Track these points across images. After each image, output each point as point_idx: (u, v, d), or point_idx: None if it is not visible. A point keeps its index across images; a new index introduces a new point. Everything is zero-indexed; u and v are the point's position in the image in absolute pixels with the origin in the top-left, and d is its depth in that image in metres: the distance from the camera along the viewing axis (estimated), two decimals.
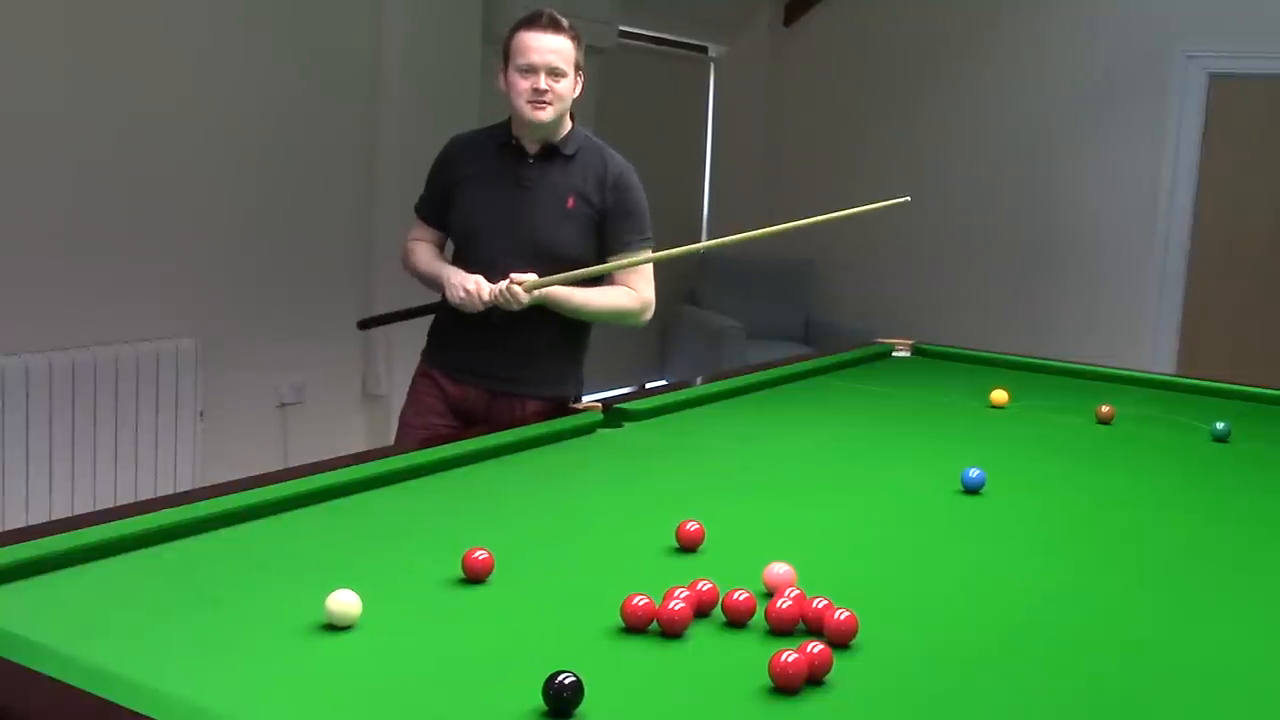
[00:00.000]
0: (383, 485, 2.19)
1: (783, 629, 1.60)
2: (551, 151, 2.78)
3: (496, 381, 2.82)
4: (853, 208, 2.96)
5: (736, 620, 1.62)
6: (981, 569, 1.95)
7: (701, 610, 1.64)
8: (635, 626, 1.58)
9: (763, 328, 6.46)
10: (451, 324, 2.85)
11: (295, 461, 3.28)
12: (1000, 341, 4.71)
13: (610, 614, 1.61)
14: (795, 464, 2.57)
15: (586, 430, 2.67)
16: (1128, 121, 6.14)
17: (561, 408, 2.82)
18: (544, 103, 2.67)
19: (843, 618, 1.57)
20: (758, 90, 7.10)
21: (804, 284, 6.80)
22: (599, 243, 2.79)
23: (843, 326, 6.35)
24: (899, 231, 6.72)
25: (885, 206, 2.96)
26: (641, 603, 1.59)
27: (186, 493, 2.07)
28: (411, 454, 2.33)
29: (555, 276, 2.69)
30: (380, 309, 4.60)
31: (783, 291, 6.72)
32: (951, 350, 3.87)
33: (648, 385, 6.39)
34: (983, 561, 1.99)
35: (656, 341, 6.69)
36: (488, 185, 2.79)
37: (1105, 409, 3.04)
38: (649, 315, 2.85)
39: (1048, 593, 1.85)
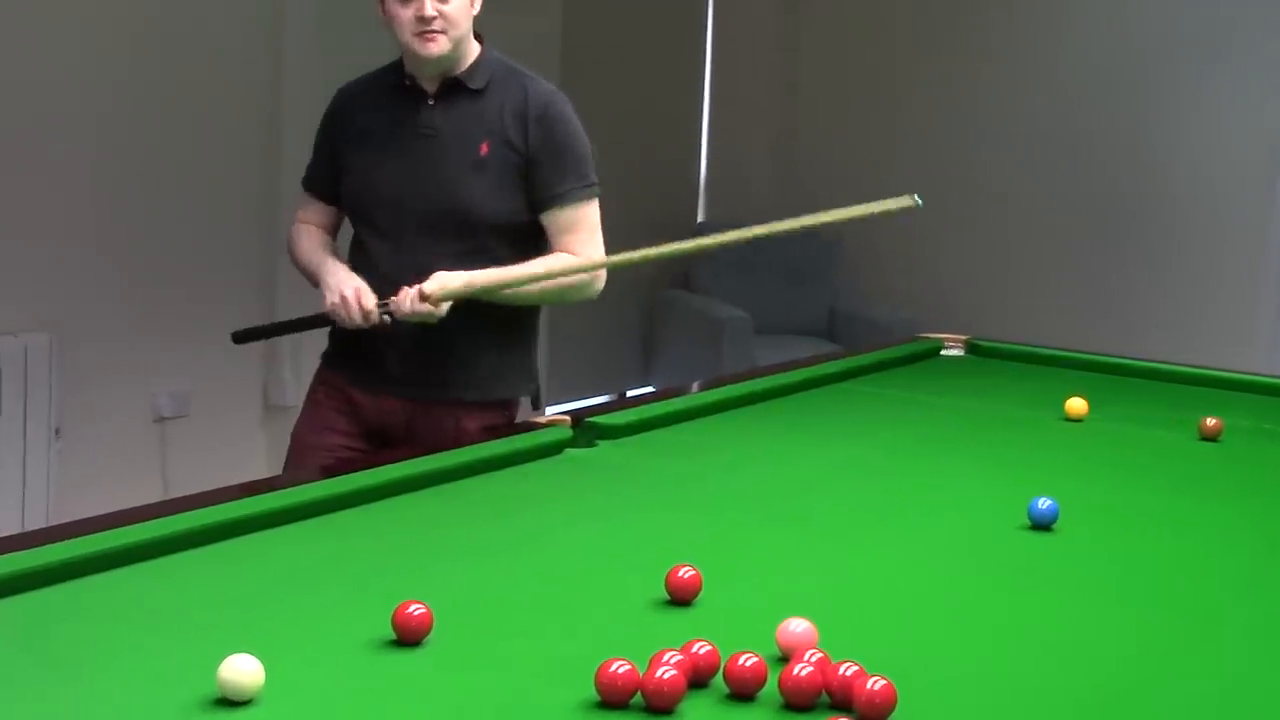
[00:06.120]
0: (290, 522, 2.19)
1: (801, 702, 1.60)
2: (455, 87, 2.78)
3: (418, 388, 2.83)
4: (855, 206, 2.76)
5: (742, 691, 1.63)
6: (1053, 625, 1.95)
7: (698, 679, 1.64)
8: (614, 700, 1.58)
9: (775, 319, 6.47)
10: None
11: (177, 491, 3.27)
12: (1077, 337, 4.73)
13: (583, 685, 1.61)
14: (816, 493, 2.58)
15: (551, 450, 2.67)
16: (1242, 58, 6.15)
17: (509, 417, 2.83)
18: (435, 32, 2.67)
19: (877, 688, 1.57)
20: (769, 22, 7.11)
21: (827, 265, 6.82)
22: (527, 196, 2.79)
23: (876, 318, 6.37)
24: (947, 199, 6.74)
25: (890, 209, 2.69)
26: (622, 670, 1.59)
27: (36, 532, 2.07)
28: (326, 482, 2.33)
29: (481, 273, 2.70)
30: (284, 297, 4.61)
31: (800, 274, 6.74)
32: (1015, 348, 3.89)
33: (629, 393, 6.40)
34: (1054, 616, 1.99)
35: (640, 337, 6.70)
36: (382, 140, 2.81)
37: (1211, 422, 3.05)
38: (601, 284, 2.86)
39: (1138, 656, 1.86)
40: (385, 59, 2.88)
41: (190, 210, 4.41)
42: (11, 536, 2.02)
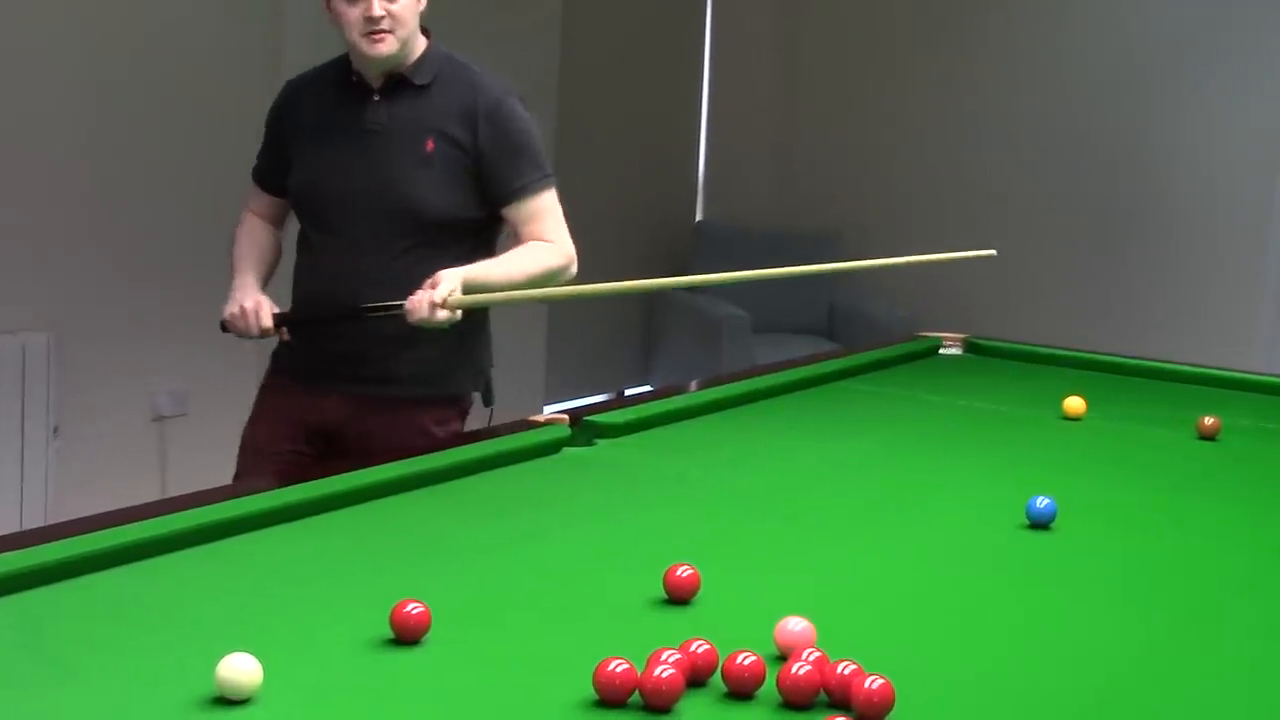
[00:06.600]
0: (287, 521, 2.19)
1: (799, 701, 1.60)
2: (400, 83, 2.79)
3: (360, 385, 2.83)
4: (931, 254, 3.24)
5: (740, 690, 1.63)
6: (1051, 624, 1.96)
7: (696, 678, 1.64)
8: (612, 699, 1.58)
9: (774, 318, 6.47)
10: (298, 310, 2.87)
11: (176, 490, 3.27)
12: (1076, 336, 4.73)
13: (581, 683, 1.61)
14: (814, 492, 2.58)
15: (549, 449, 2.67)
16: (1242, 58, 6.14)
17: (461, 412, 2.85)
18: (383, 32, 2.68)
19: (875, 687, 1.57)
20: (768, 21, 7.11)
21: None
22: (478, 194, 2.80)
23: (875, 316, 6.37)
24: (946, 196, 6.74)
25: (966, 258, 3.21)
26: (620, 669, 1.59)
27: (34, 530, 2.06)
28: (324, 481, 2.33)
29: (477, 267, 2.72)
30: (282, 296, 4.61)
31: None
32: (1014, 346, 3.89)
33: (627, 392, 6.40)
34: (1052, 614, 2.00)
35: (639, 336, 6.69)
36: (328, 136, 2.82)
37: (1209, 421, 3.05)
38: (575, 269, 2.86)
39: (1136, 654, 1.86)
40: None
41: (189, 209, 4.41)
42: (9, 535, 2.02)
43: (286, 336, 2.83)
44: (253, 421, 2.95)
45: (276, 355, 2.96)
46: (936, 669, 1.75)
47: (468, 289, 2.68)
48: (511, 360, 5.82)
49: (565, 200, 2.84)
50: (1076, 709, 1.67)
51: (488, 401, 2.97)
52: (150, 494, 3.93)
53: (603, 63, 6.30)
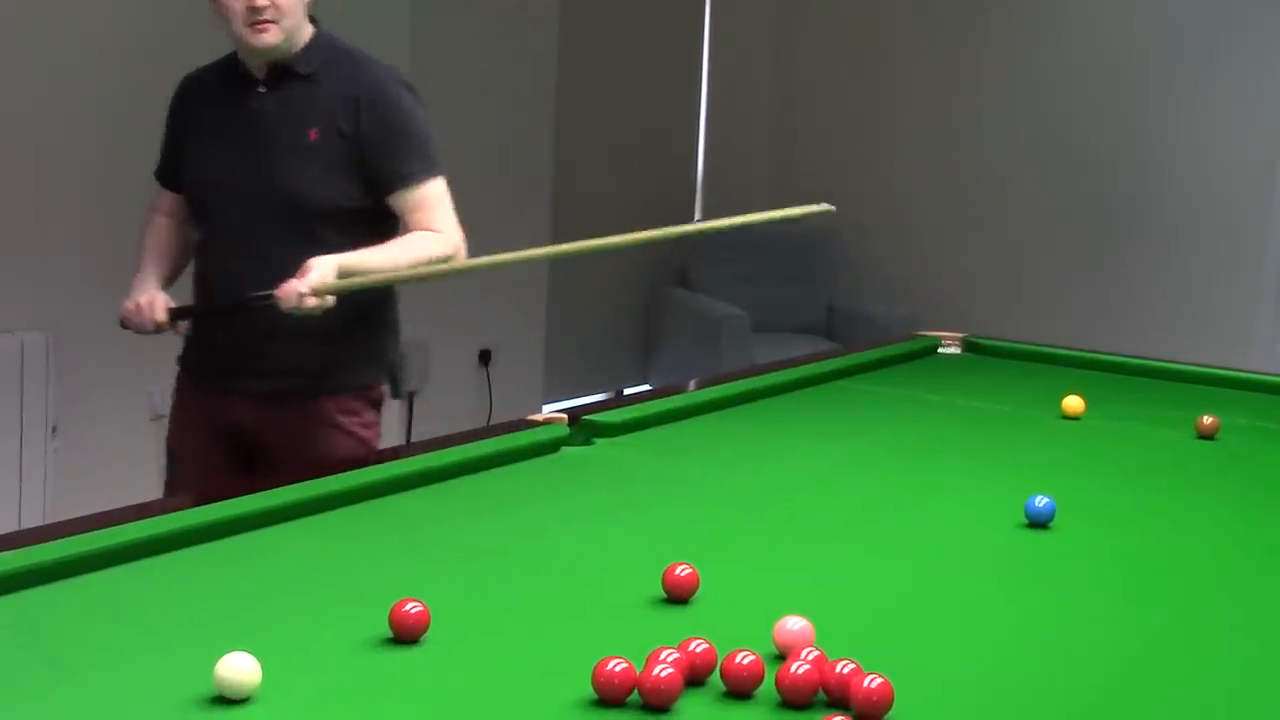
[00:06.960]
0: (286, 520, 2.19)
1: (798, 700, 1.60)
2: (284, 73, 2.77)
3: (257, 379, 2.81)
4: (770, 211, 3.01)
5: (739, 689, 1.63)
6: (1050, 623, 1.96)
7: (695, 677, 1.64)
8: (611, 698, 1.59)
9: (773, 317, 6.48)
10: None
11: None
12: (1076, 335, 4.73)
13: (580, 682, 1.62)
14: (813, 491, 2.58)
15: (548, 448, 2.67)
16: (1242, 58, 6.14)
17: (371, 402, 2.84)
18: (266, 22, 2.66)
19: (873, 686, 1.57)
20: (767, 20, 7.11)
21: (825, 261, 6.82)
22: (363, 183, 2.77)
23: (874, 316, 6.37)
24: (945, 195, 6.74)
25: (802, 214, 2.97)
26: (619, 668, 1.59)
27: (33, 530, 2.07)
28: (322, 480, 2.33)
29: (352, 256, 2.68)
30: None
31: (798, 272, 6.74)
32: (1013, 345, 3.89)
33: (626, 391, 6.41)
34: (1052, 614, 2.00)
35: (637, 335, 6.70)
36: (214, 130, 2.81)
37: (1208, 420, 3.06)
38: (464, 254, 2.83)
39: (1135, 653, 1.86)
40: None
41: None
42: (7, 535, 2.02)
43: (182, 330, 2.81)
44: (170, 432, 2.96)
45: (182, 359, 2.95)
46: (935, 668, 1.75)
47: (344, 276, 2.65)
48: (510, 359, 5.85)
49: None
50: (1075, 708, 1.67)
51: (395, 393, 2.95)
52: (148, 493, 3.93)
53: (601, 61, 6.31)
